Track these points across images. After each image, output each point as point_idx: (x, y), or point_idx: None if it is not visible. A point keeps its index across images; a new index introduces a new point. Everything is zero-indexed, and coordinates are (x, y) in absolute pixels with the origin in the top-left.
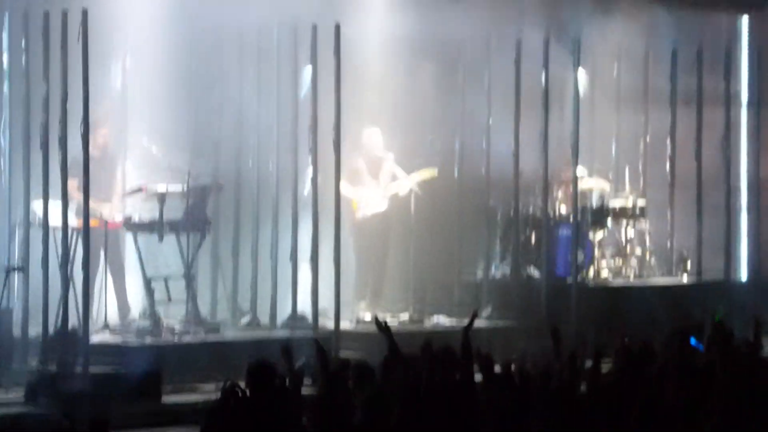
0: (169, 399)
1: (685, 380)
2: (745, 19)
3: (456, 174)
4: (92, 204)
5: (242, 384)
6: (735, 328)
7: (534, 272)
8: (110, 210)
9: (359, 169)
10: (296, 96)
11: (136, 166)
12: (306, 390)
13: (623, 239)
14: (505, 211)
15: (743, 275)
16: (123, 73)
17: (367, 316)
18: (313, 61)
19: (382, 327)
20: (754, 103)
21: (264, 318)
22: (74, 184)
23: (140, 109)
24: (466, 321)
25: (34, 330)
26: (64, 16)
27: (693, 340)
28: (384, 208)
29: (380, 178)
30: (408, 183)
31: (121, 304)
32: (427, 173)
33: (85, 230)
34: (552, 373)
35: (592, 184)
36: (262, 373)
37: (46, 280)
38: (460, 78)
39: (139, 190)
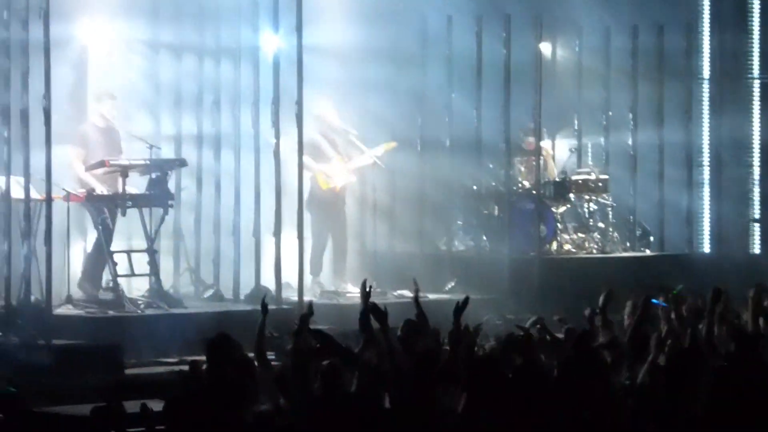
0: (131, 372)
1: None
2: None
3: (419, 148)
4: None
5: (203, 357)
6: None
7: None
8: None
9: (319, 143)
10: (257, 69)
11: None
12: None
13: (586, 213)
14: (468, 185)
15: (706, 248)
16: (81, 47)
17: (331, 288)
18: (276, 32)
19: (364, 293)
20: (716, 78)
21: (227, 292)
22: (76, 153)
23: (103, 83)
24: (429, 294)
25: None
26: None
27: (655, 301)
28: (352, 180)
29: (341, 152)
30: (370, 156)
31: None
32: (388, 146)
33: (48, 203)
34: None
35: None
36: (223, 346)
37: (9, 253)
38: (421, 52)
39: (102, 164)
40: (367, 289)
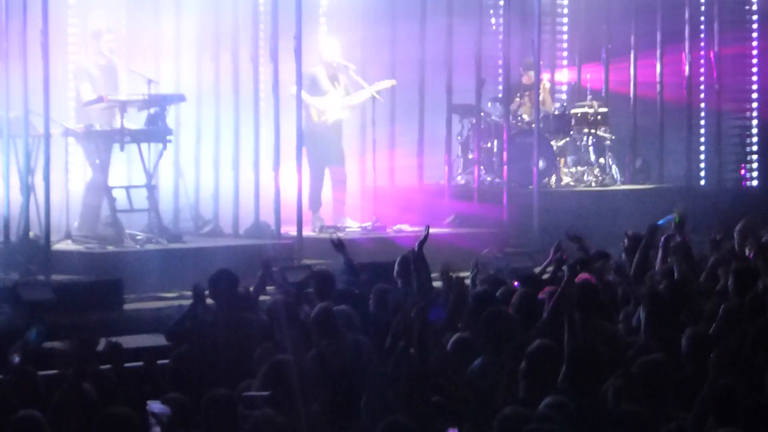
0: (131, 307)
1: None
2: None
3: (418, 83)
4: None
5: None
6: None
7: (495, 179)
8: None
9: (316, 76)
10: (256, 4)
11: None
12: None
13: (585, 147)
14: (468, 119)
15: (703, 181)
16: None
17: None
18: None
19: (337, 245)
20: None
21: (227, 227)
22: (88, 88)
23: (101, 19)
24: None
25: None
26: None
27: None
28: (345, 116)
29: (340, 87)
30: (368, 91)
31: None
32: (387, 83)
33: (46, 138)
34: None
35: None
36: (225, 281)
37: (7, 188)
38: None
39: (100, 99)
40: (335, 238)
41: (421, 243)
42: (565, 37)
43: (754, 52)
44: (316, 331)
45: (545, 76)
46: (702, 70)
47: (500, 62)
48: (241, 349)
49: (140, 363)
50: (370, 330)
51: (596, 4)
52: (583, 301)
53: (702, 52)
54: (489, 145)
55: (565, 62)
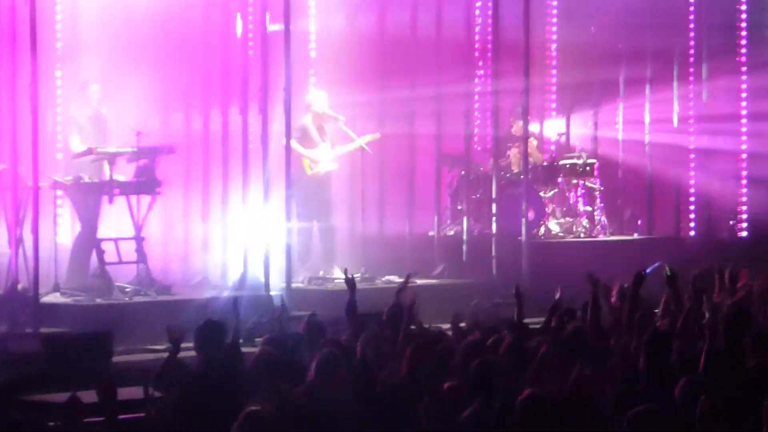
0: (120, 359)
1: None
2: None
3: (407, 133)
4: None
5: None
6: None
7: (485, 230)
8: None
9: (307, 129)
10: (245, 55)
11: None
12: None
13: (573, 197)
14: (457, 170)
15: (692, 232)
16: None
17: (320, 274)
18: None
19: (350, 282)
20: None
21: (215, 278)
22: (77, 139)
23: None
24: (417, 280)
25: None
26: None
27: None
28: (334, 167)
29: (329, 139)
30: (357, 143)
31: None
32: (372, 137)
33: (35, 191)
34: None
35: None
36: (212, 332)
37: None
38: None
39: (89, 151)
40: (350, 276)
41: (398, 291)
42: (554, 88)
43: (743, 111)
44: (317, 374)
45: (535, 126)
46: (691, 111)
47: (489, 113)
48: (228, 400)
49: (132, 415)
50: (357, 380)
51: (584, 51)
52: (573, 349)
53: (691, 95)
54: (478, 195)
55: (554, 114)
